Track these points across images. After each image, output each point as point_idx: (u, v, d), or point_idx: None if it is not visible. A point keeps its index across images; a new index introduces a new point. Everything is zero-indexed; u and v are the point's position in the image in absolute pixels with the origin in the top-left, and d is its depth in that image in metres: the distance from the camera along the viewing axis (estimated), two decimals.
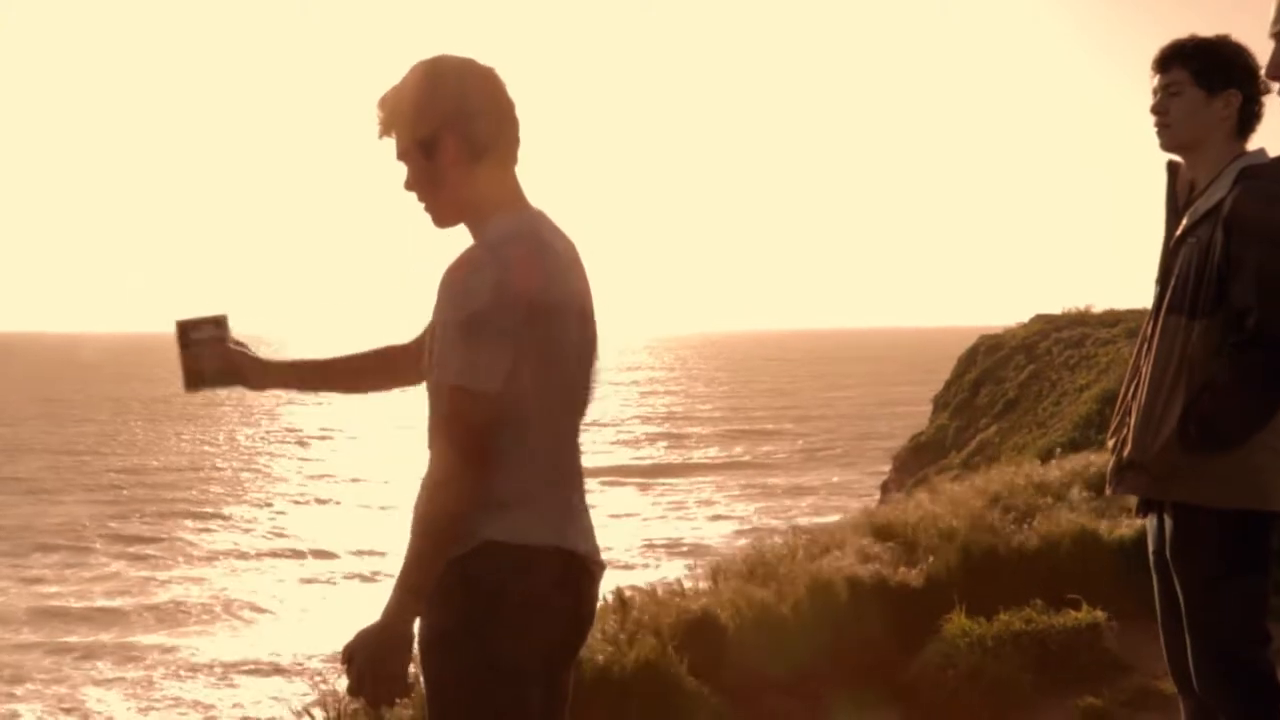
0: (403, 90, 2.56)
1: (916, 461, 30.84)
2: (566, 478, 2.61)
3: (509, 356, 2.41)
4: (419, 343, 2.78)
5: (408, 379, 2.88)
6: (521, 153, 2.62)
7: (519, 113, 2.60)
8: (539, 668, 2.55)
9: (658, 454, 56.73)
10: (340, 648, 2.49)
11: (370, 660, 2.42)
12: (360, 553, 33.91)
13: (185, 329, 2.91)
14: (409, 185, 2.60)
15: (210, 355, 2.91)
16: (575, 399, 2.61)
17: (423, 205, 2.62)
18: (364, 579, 30.49)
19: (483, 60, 2.58)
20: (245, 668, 24.18)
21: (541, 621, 2.52)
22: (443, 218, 2.63)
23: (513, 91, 2.59)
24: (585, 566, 2.62)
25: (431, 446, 2.48)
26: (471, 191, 2.56)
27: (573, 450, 2.64)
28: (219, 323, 2.92)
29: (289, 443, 63.11)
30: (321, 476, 49.93)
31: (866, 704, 5.25)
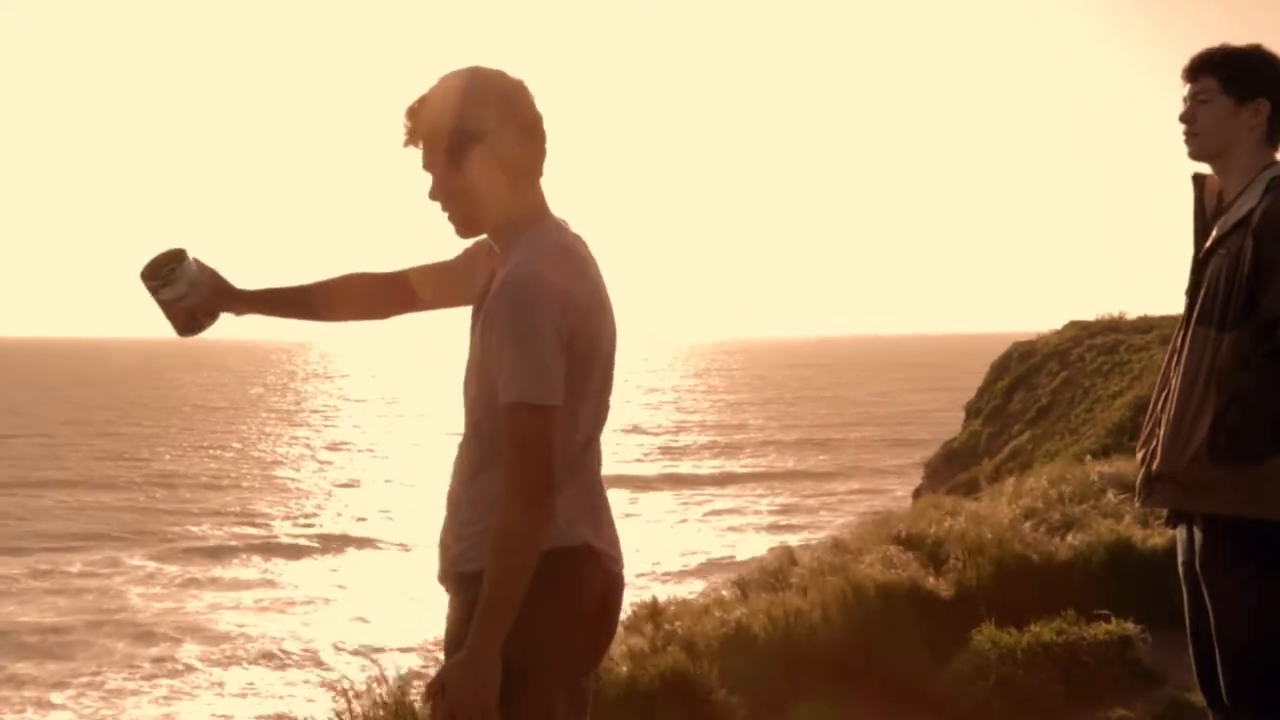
0: (434, 101, 2.56)
1: (949, 469, 30.70)
2: (593, 482, 2.64)
3: (563, 370, 2.44)
4: (405, 276, 2.86)
5: (388, 310, 2.92)
6: (546, 162, 2.63)
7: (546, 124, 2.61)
8: (564, 674, 2.57)
9: (689, 463, 56.58)
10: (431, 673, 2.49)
11: (463, 693, 2.41)
12: None
13: (153, 273, 2.75)
14: (434, 195, 2.61)
15: (191, 293, 2.77)
16: (603, 407, 2.64)
17: (446, 215, 2.63)
18: None
19: (494, 66, 2.59)
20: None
21: (572, 626, 2.54)
22: (467, 229, 2.65)
23: (539, 102, 2.59)
24: (612, 569, 2.65)
25: (488, 464, 2.51)
26: (500, 205, 2.58)
27: (597, 455, 2.67)
28: (179, 256, 2.77)
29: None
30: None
31: (897, 714, 5.24)
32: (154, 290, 2.77)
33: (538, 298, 2.42)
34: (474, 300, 2.72)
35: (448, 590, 2.65)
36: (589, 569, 2.57)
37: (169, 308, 2.79)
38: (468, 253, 2.82)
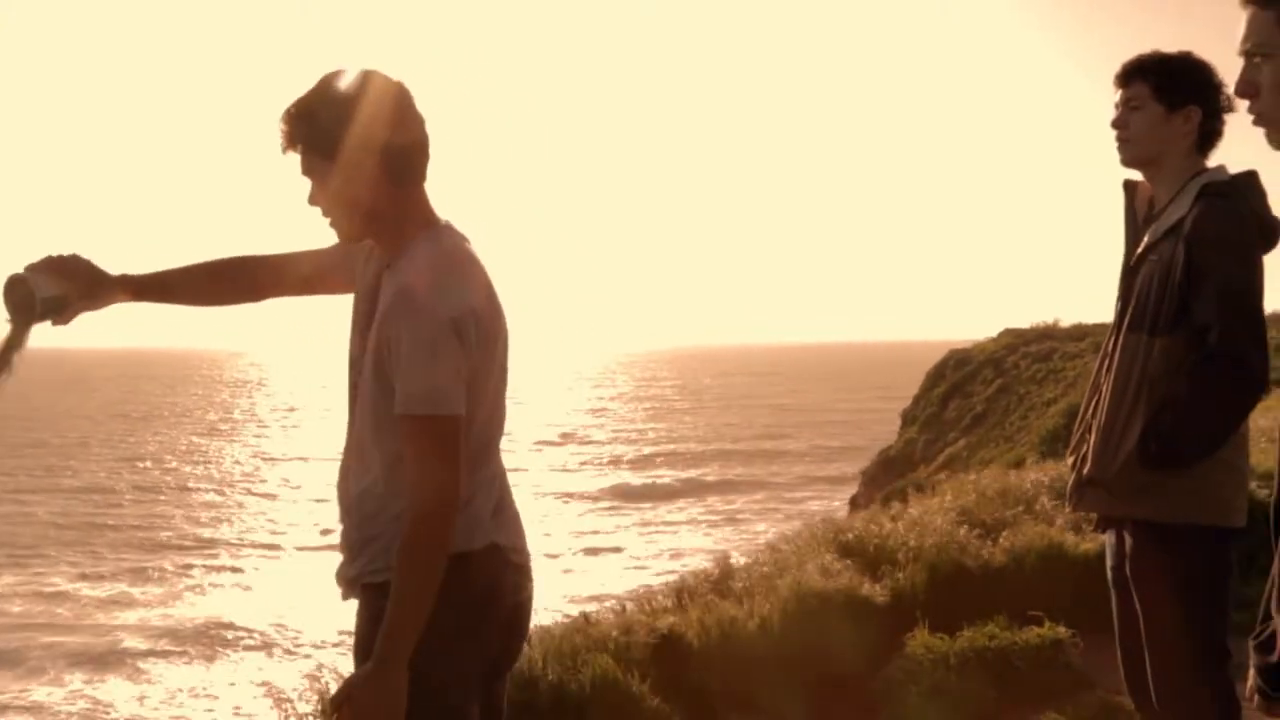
0: (314, 104, 2.46)
1: (885, 475, 30.95)
2: (496, 480, 2.60)
3: (465, 375, 2.41)
4: (277, 261, 2.80)
5: (261, 294, 2.83)
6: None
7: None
8: (477, 681, 2.53)
9: (627, 474, 56.49)
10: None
11: (371, 706, 2.34)
12: None
13: (18, 306, 2.56)
14: (315, 201, 2.52)
15: (58, 284, 2.59)
16: (500, 408, 2.61)
17: (328, 221, 2.55)
18: None
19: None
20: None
21: (484, 629, 2.51)
22: (350, 235, 2.58)
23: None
24: (519, 562, 2.62)
25: (388, 471, 2.47)
26: (383, 211, 2.51)
27: (498, 454, 2.63)
28: (18, 280, 2.58)
29: None
30: None
31: None
32: (28, 315, 2.59)
33: (438, 308, 2.38)
34: (350, 292, 2.68)
35: (351, 596, 2.60)
36: (497, 568, 2.54)
37: (47, 308, 2.61)
38: (346, 247, 2.73)
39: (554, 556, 33.57)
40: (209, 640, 27.17)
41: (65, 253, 2.64)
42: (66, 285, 2.61)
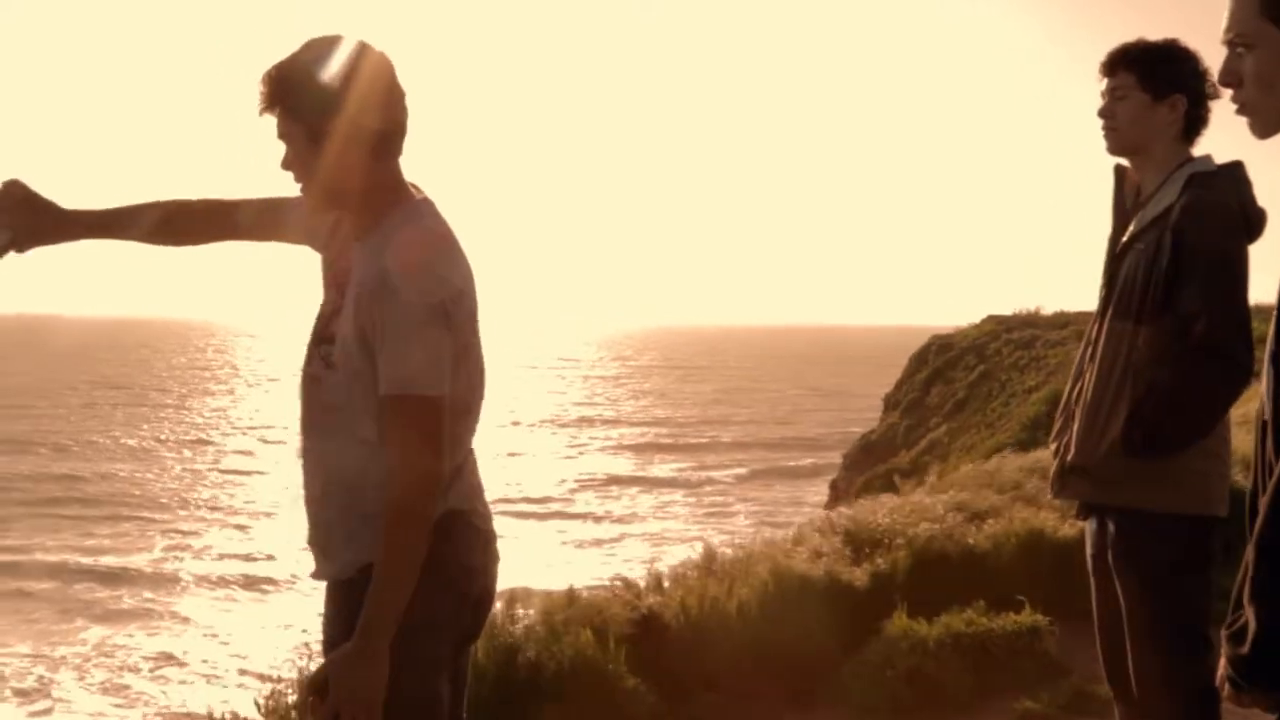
0: (296, 69, 2.42)
1: (866, 460, 30.96)
2: (460, 446, 2.56)
3: (451, 352, 2.40)
4: (231, 205, 2.77)
5: (210, 236, 2.80)
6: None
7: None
8: (448, 654, 2.52)
9: (618, 459, 56.34)
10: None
11: (350, 689, 2.31)
12: None
13: None
14: (288, 166, 2.49)
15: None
16: (480, 385, 2.57)
17: (300, 186, 2.52)
18: None
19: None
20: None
21: (455, 603, 2.50)
22: (321, 204, 2.56)
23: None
24: (482, 527, 2.59)
25: (368, 456, 2.44)
26: (358, 182, 2.47)
27: (471, 432, 2.60)
28: None
29: None
30: None
31: (804, 703, 5.24)
32: None
33: (425, 290, 2.36)
34: (302, 244, 2.68)
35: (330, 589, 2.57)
36: (461, 532, 2.51)
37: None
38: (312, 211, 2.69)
39: (539, 538, 33.61)
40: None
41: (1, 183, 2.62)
42: (10, 224, 2.59)
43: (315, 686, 2.37)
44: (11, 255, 2.63)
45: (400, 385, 2.36)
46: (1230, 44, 1.89)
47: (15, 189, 2.62)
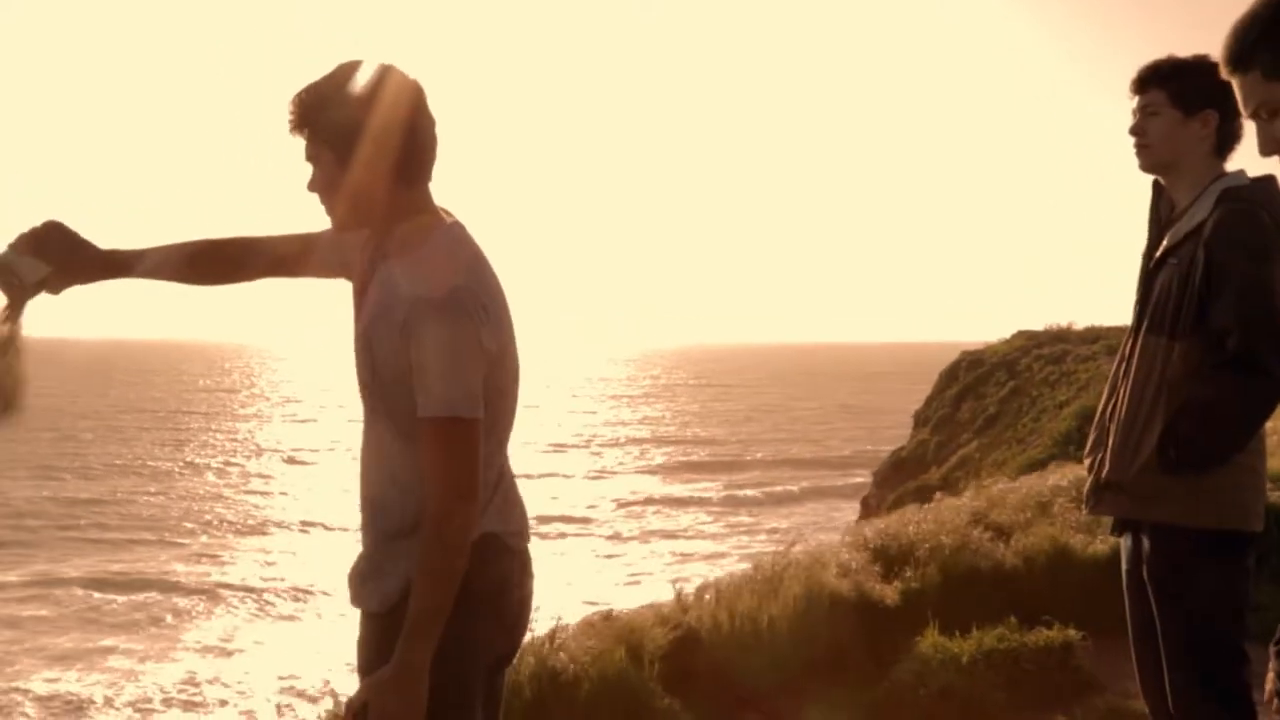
0: (327, 91, 2.44)
1: (897, 477, 30.86)
2: (500, 470, 2.56)
3: (482, 374, 2.40)
4: (268, 243, 2.77)
5: (242, 276, 2.80)
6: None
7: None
8: (484, 676, 2.52)
9: (649, 478, 56.14)
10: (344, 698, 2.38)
11: (389, 713, 2.32)
12: None
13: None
14: (315, 188, 2.50)
15: (38, 269, 2.58)
16: (513, 410, 2.58)
17: (325, 208, 2.53)
18: None
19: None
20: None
21: (491, 625, 2.50)
22: (346, 225, 2.57)
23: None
24: (518, 547, 2.59)
25: (413, 480, 2.43)
26: (385, 207, 2.49)
27: (505, 448, 2.61)
28: (15, 247, 2.58)
29: None
30: None
31: None
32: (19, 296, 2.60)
33: (462, 311, 2.36)
34: (333, 277, 2.69)
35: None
36: (496, 554, 2.51)
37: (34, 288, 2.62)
38: (337, 235, 2.70)
39: (573, 558, 33.59)
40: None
41: (42, 223, 2.64)
42: (49, 260, 2.60)
43: (354, 711, 2.37)
44: (44, 295, 2.65)
45: (436, 408, 2.36)
46: (1255, 116, 1.94)
47: (54, 229, 2.64)
